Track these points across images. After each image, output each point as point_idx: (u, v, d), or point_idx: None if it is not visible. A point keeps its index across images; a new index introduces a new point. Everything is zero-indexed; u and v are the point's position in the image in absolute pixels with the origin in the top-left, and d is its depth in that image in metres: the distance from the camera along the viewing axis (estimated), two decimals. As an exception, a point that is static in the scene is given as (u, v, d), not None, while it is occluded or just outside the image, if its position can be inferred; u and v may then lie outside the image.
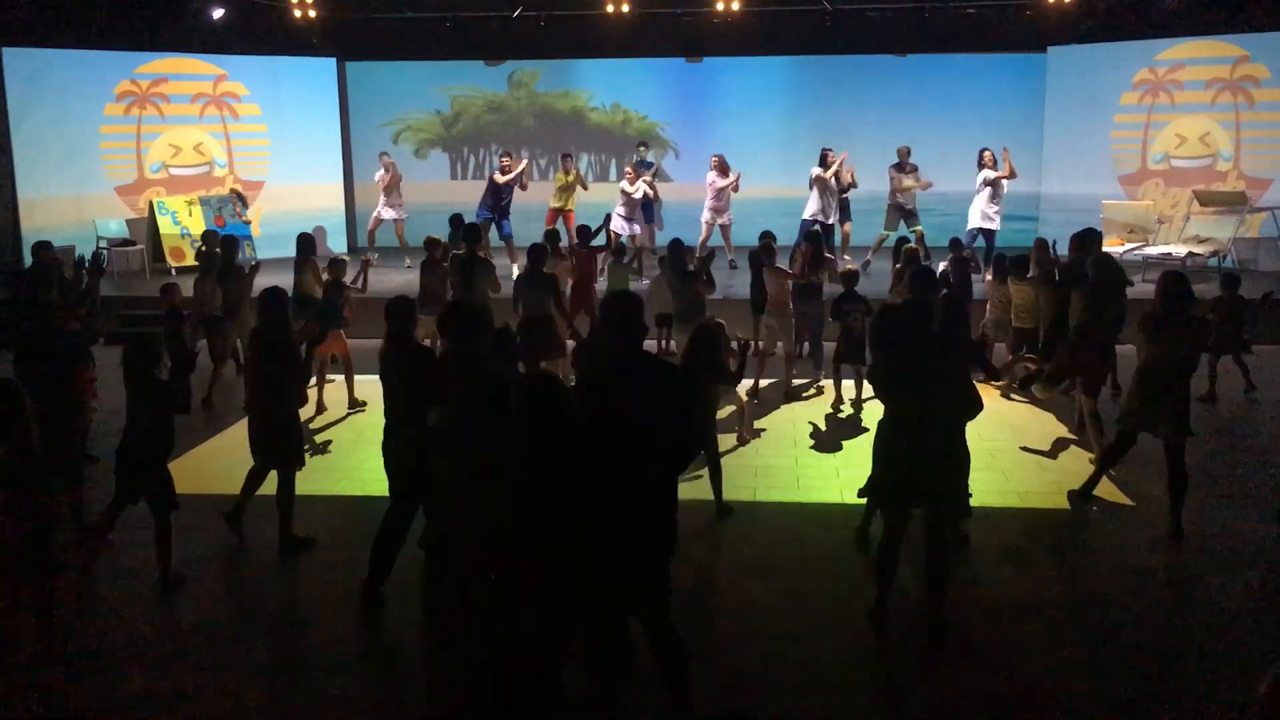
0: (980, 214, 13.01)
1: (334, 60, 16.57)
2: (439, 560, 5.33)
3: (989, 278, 10.39)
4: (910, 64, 16.29)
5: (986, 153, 13.06)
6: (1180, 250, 13.08)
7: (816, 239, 10.12)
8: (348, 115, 17.02)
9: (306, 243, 10.01)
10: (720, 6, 14.71)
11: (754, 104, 16.62)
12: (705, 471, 6.78)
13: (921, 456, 4.95)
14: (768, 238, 9.87)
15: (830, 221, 13.46)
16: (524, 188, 14.12)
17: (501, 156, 14.31)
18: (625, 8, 14.92)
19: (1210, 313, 9.34)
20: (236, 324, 9.66)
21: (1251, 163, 14.20)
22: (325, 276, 9.60)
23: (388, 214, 14.93)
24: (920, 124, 15.16)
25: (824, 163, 13.46)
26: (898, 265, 9.95)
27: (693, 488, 6.74)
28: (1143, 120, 15.13)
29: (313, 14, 15.00)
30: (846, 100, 16.42)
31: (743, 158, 14.50)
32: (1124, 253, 12.99)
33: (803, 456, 8.00)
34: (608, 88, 17.16)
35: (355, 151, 16.98)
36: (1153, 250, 13.31)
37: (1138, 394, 6.32)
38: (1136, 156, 15.28)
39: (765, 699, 4.69)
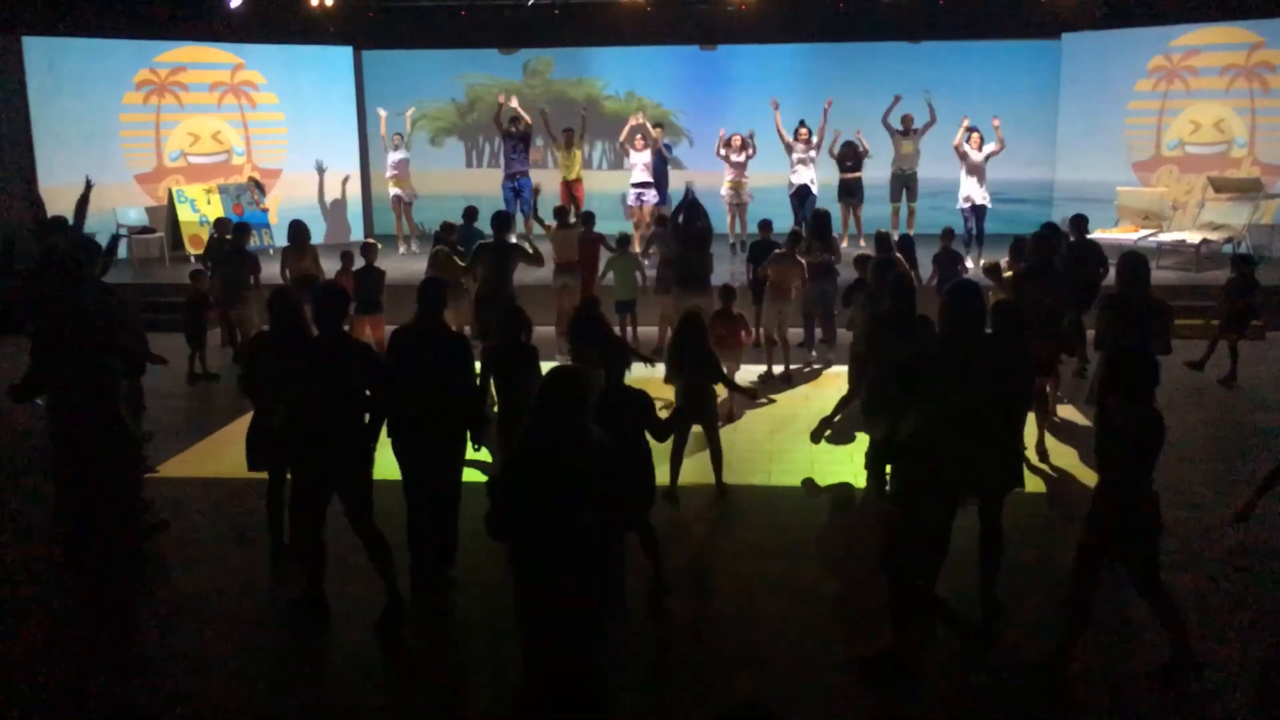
0: (981, 191, 13.24)
1: (350, 49, 16.66)
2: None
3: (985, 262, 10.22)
4: (924, 51, 16.26)
5: (975, 134, 13.27)
6: (1194, 237, 13.07)
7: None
8: (364, 104, 17.12)
9: (300, 229, 10.23)
10: (734, -6, 14.75)
11: (768, 91, 16.49)
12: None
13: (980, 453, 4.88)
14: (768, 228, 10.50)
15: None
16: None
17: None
18: (640, -5, 14.98)
19: (1221, 294, 9.38)
20: (237, 312, 9.84)
21: (1266, 149, 14.16)
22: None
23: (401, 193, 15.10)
24: (935, 111, 15.12)
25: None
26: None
27: (693, 471, 6.87)
28: (1157, 107, 15.10)
29: (329, 2, 15.08)
30: (860, 87, 16.31)
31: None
32: (1138, 239, 13.01)
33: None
34: (622, 75, 17.19)
35: (372, 140, 17.07)
36: (1167, 237, 13.32)
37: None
38: (1151, 143, 15.25)
39: (775, 681, 4.80)
